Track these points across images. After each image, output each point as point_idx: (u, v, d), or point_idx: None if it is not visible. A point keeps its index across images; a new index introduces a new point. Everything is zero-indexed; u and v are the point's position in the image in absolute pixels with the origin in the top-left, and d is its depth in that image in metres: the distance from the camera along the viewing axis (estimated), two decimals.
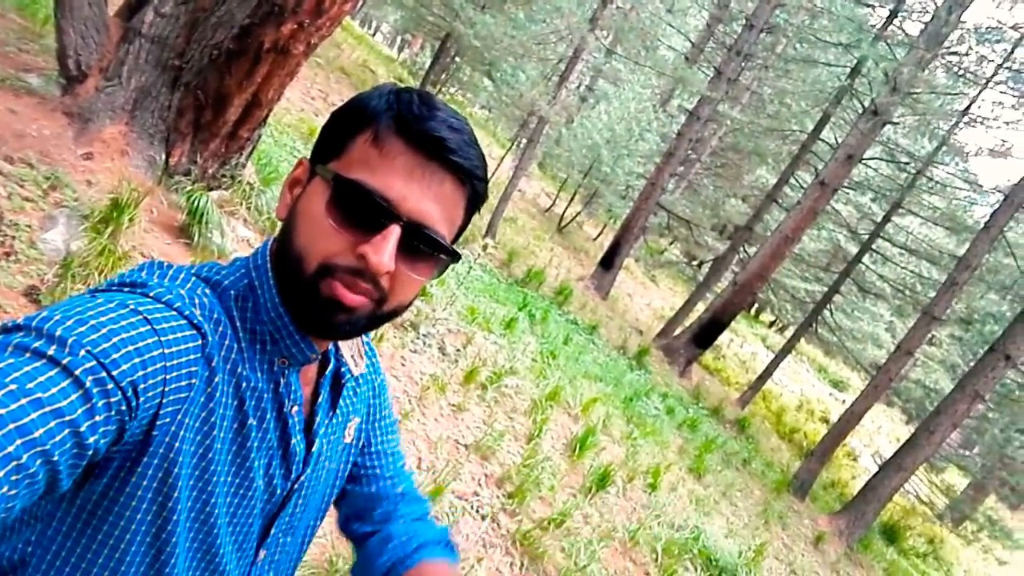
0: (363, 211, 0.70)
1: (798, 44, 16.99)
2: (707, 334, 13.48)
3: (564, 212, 18.32)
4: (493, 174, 13.69)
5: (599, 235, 20.83)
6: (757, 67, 19.10)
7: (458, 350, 5.68)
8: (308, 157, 0.78)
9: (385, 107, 0.72)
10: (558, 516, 4.26)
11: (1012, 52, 13.64)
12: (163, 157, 4.14)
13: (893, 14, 14.00)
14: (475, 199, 0.77)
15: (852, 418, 10.59)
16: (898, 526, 13.28)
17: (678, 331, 14.47)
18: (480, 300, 7.46)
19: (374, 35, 40.12)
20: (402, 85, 0.78)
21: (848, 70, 14.51)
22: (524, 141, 16.12)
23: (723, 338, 18.28)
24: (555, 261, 14.52)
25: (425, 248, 0.73)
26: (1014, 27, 13.40)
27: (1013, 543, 14.37)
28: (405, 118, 0.71)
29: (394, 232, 0.69)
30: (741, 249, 15.92)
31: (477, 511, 3.89)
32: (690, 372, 13.86)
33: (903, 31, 13.94)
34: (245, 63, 4.01)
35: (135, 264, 3.40)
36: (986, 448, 15.37)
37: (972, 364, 10.82)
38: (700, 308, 15.55)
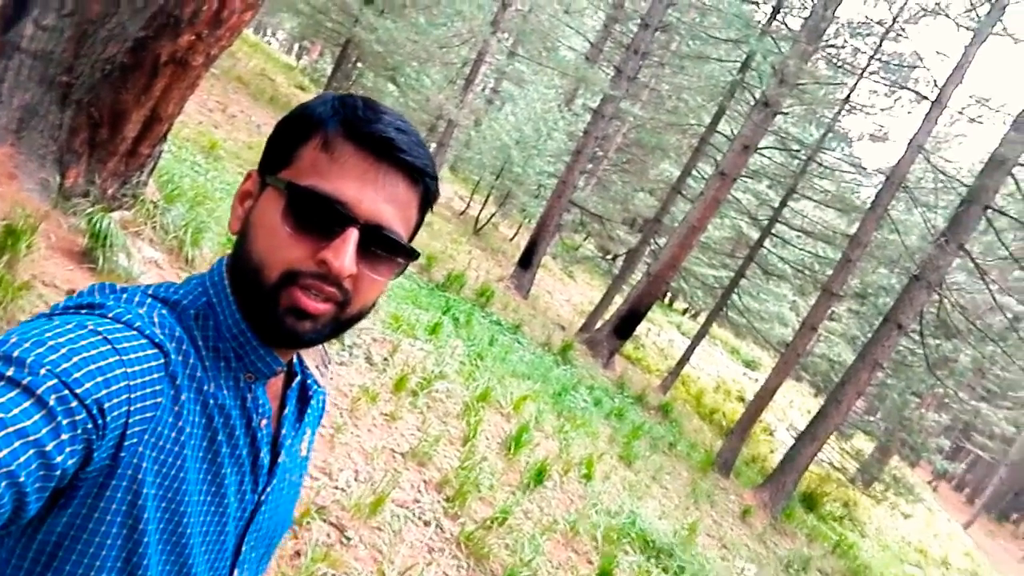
0: (320, 216, 0.70)
1: (691, 41, 17.73)
2: (626, 325, 13.86)
3: (479, 214, 18.39)
4: None
5: (515, 235, 21.02)
6: (654, 65, 19.81)
7: (385, 359, 5.62)
8: (257, 169, 0.77)
9: (331, 113, 0.72)
10: (500, 514, 4.29)
11: (880, 44, 14.74)
12: (58, 179, 3.90)
13: (776, 10, 14.83)
14: (428, 197, 0.78)
15: (766, 394, 11.15)
16: (816, 493, 14.08)
17: (599, 324, 14.81)
18: (403, 307, 7.39)
19: (269, 43, 38.92)
20: (343, 92, 0.78)
21: (739, 65, 15.26)
22: (434, 145, 16.09)
23: (641, 328, 18.83)
24: (474, 263, 14.54)
25: (384, 249, 0.73)
26: (879, 22, 14.48)
27: (915, 497, 15.52)
28: (352, 122, 0.71)
29: (353, 235, 0.70)
30: (652, 241, 16.46)
31: (419, 518, 3.86)
32: (613, 363, 14.20)
33: (786, 26, 14.80)
34: (142, 77, 3.83)
35: (36, 294, 3.15)
36: (887, 412, 16.53)
37: (870, 335, 11.62)
38: (618, 301, 15.96)
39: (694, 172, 16.26)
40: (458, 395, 5.91)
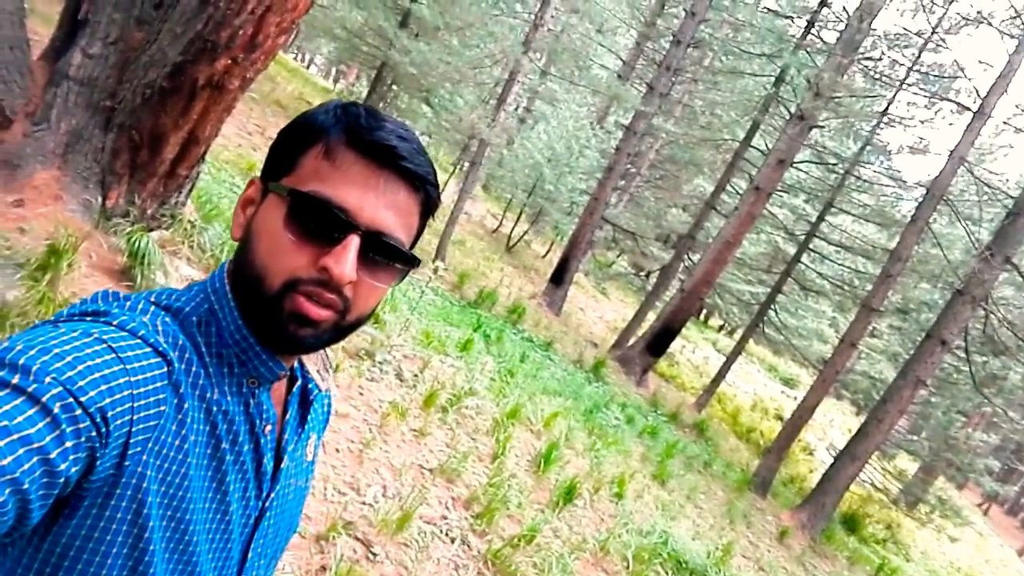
0: (322, 223, 0.70)
1: (724, 57, 17.66)
2: (660, 342, 13.71)
3: (511, 232, 18.45)
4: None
5: (547, 252, 21.03)
6: (687, 81, 19.75)
7: (416, 375, 5.65)
8: (259, 176, 0.78)
9: (333, 121, 0.73)
10: (528, 532, 4.26)
11: (919, 56, 14.47)
12: (100, 200, 4.04)
13: (811, 24, 14.69)
14: (428, 205, 0.78)
15: (804, 413, 10.89)
16: (857, 515, 13.65)
17: (632, 341, 14.68)
18: (434, 324, 7.44)
19: (308, 67, 39.89)
20: (346, 100, 0.80)
21: (773, 79, 15.13)
22: (467, 164, 16.23)
23: (675, 345, 18.60)
24: (506, 281, 14.58)
25: (385, 256, 0.74)
26: (918, 33, 14.23)
27: (962, 520, 14.92)
28: (355, 130, 0.72)
29: (354, 242, 0.70)
30: (685, 257, 16.30)
31: (446, 534, 3.86)
32: (646, 380, 14.05)
33: (821, 39, 14.64)
34: (180, 100, 3.96)
35: None
36: (931, 432, 16.00)
37: (912, 352, 11.29)
38: (651, 317, 15.81)
39: (728, 187, 16.10)
40: (488, 412, 5.91)
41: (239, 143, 10.56)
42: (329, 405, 1.00)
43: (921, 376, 10.32)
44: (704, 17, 14.24)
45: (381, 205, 0.72)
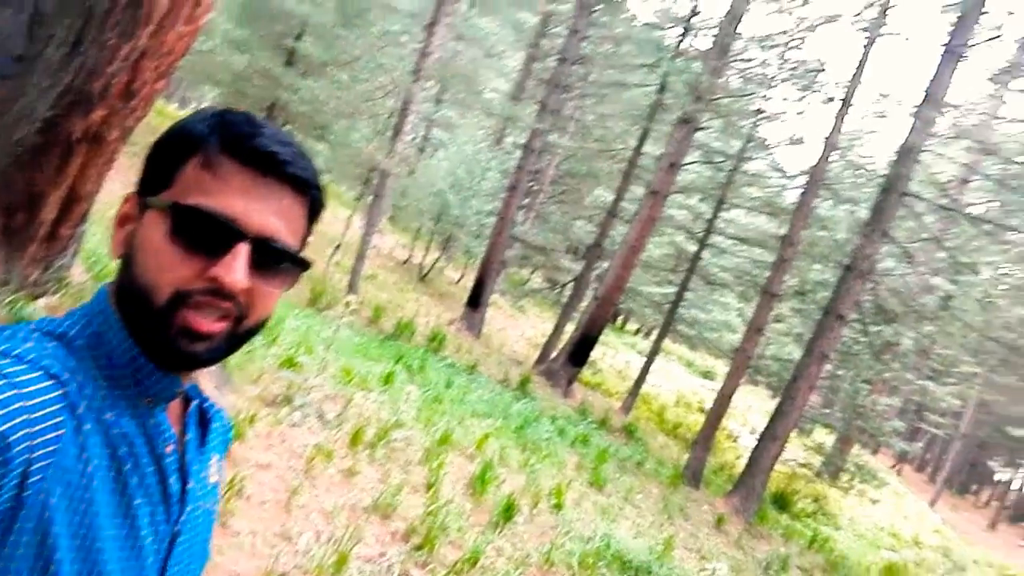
0: (208, 234, 0.69)
1: (608, 71, 18.33)
2: (580, 351, 13.96)
3: (423, 261, 18.39)
4: (343, 235, 13.53)
5: (461, 277, 21.05)
6: (576, 96, 20.36)
7: (339, 414, 5.53)
8: (135, 191, 0.76)
9: (210, 130, 0.72)
10: (470, 555, 4.23)
11: (785, 55, 15.52)
12: None
13: (685, 33, 15.52)
14: (314, 208, 0.78)
15: (723, 401, 11.33)
16: (786, 492, 14.27)
17: (554, 354, 14.87)
18: (354, 361, 7.30)
19: None
20: (221, 107, 0.79)
21: (656, 87, 15.80)
22: (370, 197, 16.11)
23: (597, 352, 18.97)
24: (423, 310, 14.50)
25: (275, 261, 0.74)
26: (782, 33, 15.27)
27: (879, 482, 15.90)
28: (233, 138, 0.71)
29: (243, 249, 0.70)
30: (595, 266, 16.71)
31: (388, 570, 3.78)
32: (573, 391, 14.25)
33: (695, 47, 15.47)
34: (55, 157, 3.76)
35: None
36: (842, 403, 16.95)
37: (814, 330, 11.99)
38: (570, 329, 16.08)
39: (627, 194, 16.66)
40: (418, 442, 5.85)
41: None
42: (228, 424, 0.97)
43: (824, 351, 10.97)
44: (585, 34, 14.79)
45: (268, 212, 0.72)
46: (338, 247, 12.57)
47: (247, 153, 0.71)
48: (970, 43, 11.12)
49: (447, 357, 11.30)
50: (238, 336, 0.75)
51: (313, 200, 0.78)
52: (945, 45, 10.68)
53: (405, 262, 18.93)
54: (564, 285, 20.91)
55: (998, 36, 11.44)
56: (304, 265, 0.78)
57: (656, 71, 15.64)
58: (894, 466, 36.57)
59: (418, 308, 14.32)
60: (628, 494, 8.72)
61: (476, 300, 14.98)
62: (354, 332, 9.50)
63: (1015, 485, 40.45)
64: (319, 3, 15.46)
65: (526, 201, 21.05)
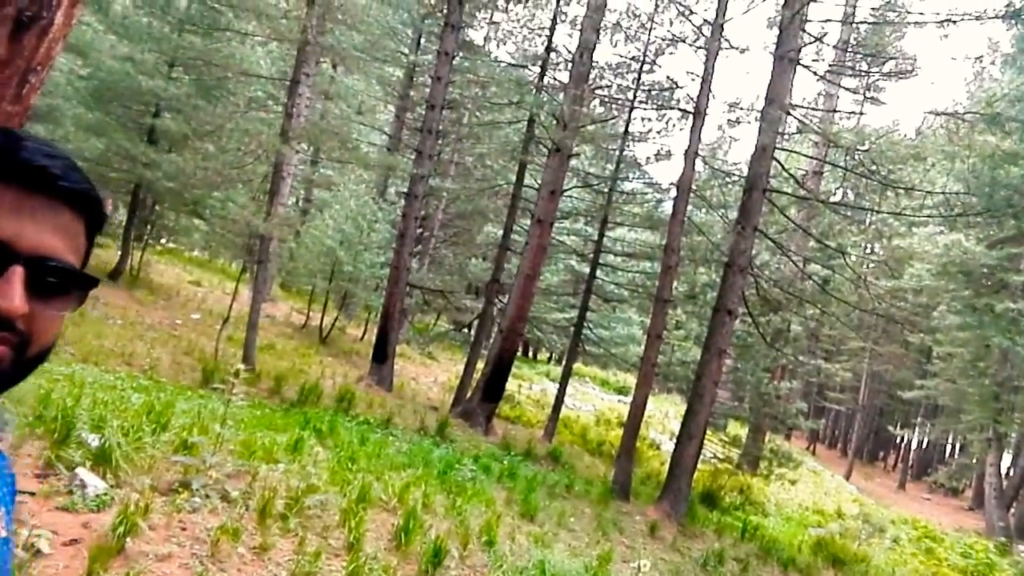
0: None
1: (478, 113, 18.80)
2: (493, 386, 13.93)
3: (322, 322, 17.91)
4: (231, 309, 13.00)
5: (364, 333, 20.64)
6: (452, 141, 20.75)
7: (245, 491, 5.23)
8: None
9: None
10: None
11: (640, 78, 16.50)
12: None
13: (543, 68, 16.19)
14: (94, 222, 0.75)
15: (637, 411, 11.59)
16: (712, 489, 14.68)
17: (469, 394, 14.76)
18: (256, 434, 6.96)
19: None
20: None
21: (526, 122, 16.34)
22: (255, 266, 15.61)
23: (512, 386, 19.02)
24: (328, 372, 14.07)
25: (56, 281, 0.70)
26: (634, 59, 16.25)
27: (796, 463, 16.67)
28: None
29: (17, 273, 0.66)
30: (496, 300, 16.84)
31: None
32: (493, 427, 14.16)
33: (556, 79, 16.17)
34: None
35: None
36: (748, 394, 17.77)
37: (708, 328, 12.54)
38: (481, 367, 16.06)
39: (515, 227, 16.99)
40: (334, 504, 5.61)
41: None
42: (11, 473, 0.89)
43: (721, 346, 11.47)
44: (449, 80, 15.11)
45: (42, 230, 0.68)
46: (226, 321, 12.04)
47: (13, 171, 0.67)
48: (797, 49, 12.23)
49: (359, 415, 10.97)
50: (23, 364, 0.70)
51: (90, 213, 0.74)
52: (774, 53, 11.67)
53: (303, 327, 18.36)
54: (469, 325, 20.92)
55: (818, 40, 12.63)
56: (89, 283, 0.73)
57: (524, 107, 16.22)
58: (808, 447, 38.49)
59: (322, 371, 13.89)
60: (561, 518, 8.69)
61: (382, 354, 14.70)
62: (254, 405, 9.07)
63: (913, 444, 43.49)
64: (175, 78, 15.04)
65: (418, 248, 21.04)
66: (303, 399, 10.67)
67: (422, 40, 21.23)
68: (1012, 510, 26.12)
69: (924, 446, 43.89)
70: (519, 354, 26.00)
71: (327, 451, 7.54)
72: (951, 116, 15.05)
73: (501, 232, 17.32)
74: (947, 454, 42.80)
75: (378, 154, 18.39)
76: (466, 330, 22.48)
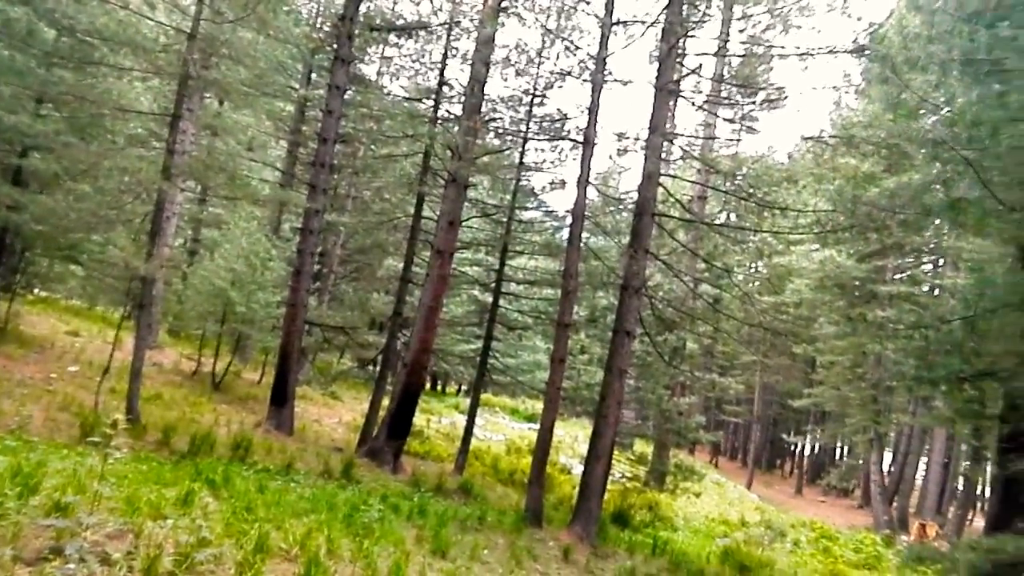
0: None
1: (373, 146, 18.68)
2: (400, 423, 13.66)
3: (214, 368, 17.00)
4: (111, 358, 12.14)
5: (262, 376, 19.76)
6: (348, 175, 20.48)
7: (129, 552, 4.83)
8: None
9: None
10: None
11: (531, 111, 16.94)
12: None
13: (437, 101, 16.34)
14: None
15: (545, 436, 11.66)
16: (622, 509, 14.93)
17: (375, 432, 14.39)
18: (142, 489, 6.47)
19: None
20: None
21: (422, 154, 16.38)
22: (138, 311, 14.68)
23: (420, 421, 18.72)
24: (222, 419, 13.35)
25: None
26: (524, 91, 16.68)
27: (699, 476, 17.24)
28: None
29: None
30: (400, 334, 16.60)
31: None
32: (402, 465, 13.84)
33: (450, 112, 16.34)
34: None
35: None
36: (651, 412, 18.29)
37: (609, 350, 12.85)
38: (387, 404, 15.72)
39: (416, 259, 16.89)
40: (229, 557, 5.28)
41: None
42: None
43: (622, 367, 11.78)
44: (342, 113, 14.96)
45: None
46: (107, 372, 11.23)
47: None
48: (675, 81, 12.97)
49: (257, 463, 10.44)
50: None
51: None
52: (655, 85, 12.31)
53: (194, 373, 17.36)
54: (373, 361, 20.48)
55: (694, 72, 13.45)
56: None
57: (419, 139, 16.27)
58: (710, 459, 39.97)
59: (216, 419, 13.16)
60: (474, 552, 8.56)
61: (281, 396, 14.10)
62: (139, 459, 8.45)
63: (806, 451, 46.06)
64: (43, 115, 14.07)
65: (317, 284, 20.49)
66: (195, 450, 10.05)
67: (312, 75, 20.95)
68: (894, 504, 28.09)
69: (816, 451, 46.54)
70: (426, 388, 25.68)
71: (221, 502, 7.11)
72: (816, 141, 16.34)
73: (402, 265, 17.17)
74: (836, 457, 45.51)
75: (270, 190, 17.86)
76: (370, 367, 21.98)
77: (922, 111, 8.54)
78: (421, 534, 8.63)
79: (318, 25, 19.97)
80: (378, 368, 17.74)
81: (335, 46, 15.03)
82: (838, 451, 46.15)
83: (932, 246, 26.89)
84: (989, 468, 24.65)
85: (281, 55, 14.54)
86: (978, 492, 30.45)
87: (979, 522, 27.15)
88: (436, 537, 8.45)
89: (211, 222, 23.15)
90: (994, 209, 6.63)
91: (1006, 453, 9.70)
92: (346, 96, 15.81)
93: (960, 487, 30.22)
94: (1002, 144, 6.14)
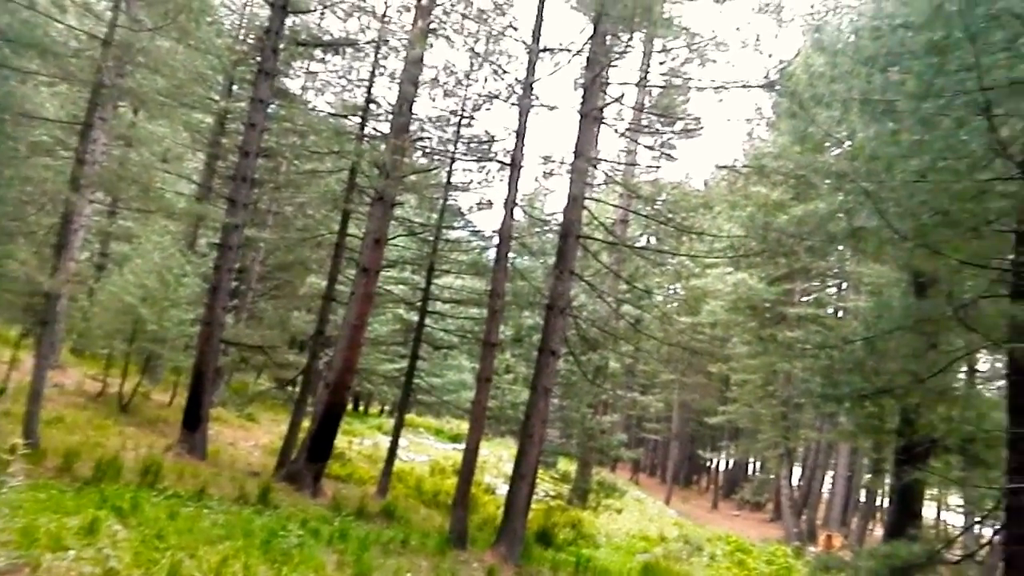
0: None
1: (297, 161, 18.32)
2: (321, 445, 13.33)
3: (122, 389, 16.11)
4: (7, 379, 11.36)
5: (173, 398, 18.86)
6: (270, 190, 19.98)
7: None
8: None
9: None
10: None
11: (459, 131, 17.06)
12: None
13: (364, 119, 16.23)
14: None
15: (471, 456, 11.64)
16: (546, 527, 15.01)
17: (294, 455, 13.98)
18: (39, 519, 6.08)
19: None
20: None
21: (348, 171, 16.16)
22: (39, 328, 13.79)
23: (342, 442, 18.29)
24: (130, 443, 12.68)
25: None
26: (452, 112, 16.79)
27: (621, 493, 17.57)
28: None
29: None
30: (323, 354, 16.24)
31: None
32: (322, 488, 13.49)
33: (377, 129, 16.26)
34: None
35: None
36: (575, 430, 18.55)
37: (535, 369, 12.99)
38: (308, 426, 15.30)
39: (340, 277, 16.61)
40: None
41: None
42: None
43: (547, 386, 11.94)
44: (265, 127, 14.64)
45: None
46: (2, 393, 10.48)
47: None
48: (599, 108, 13.38)
49: (168, 488, 9.95)
50: None
51: None
52: (580, 111, 12.67)
53: (100, 395, 16.41)
54: (292, 381, 19.91)
55: (617, 101, 13.92)
56: None
57: (345, 156, 16.07)
58: (631, 476, 40.73)
59: (124, 443, 12.48)
60: (397, 575, 8.44)
61: (194, 419, 13.50)
62: (37, 487, 7.91)
63: (722, 466, 47.65)
64: None
65: (234, 302, 19.81)
66: (100, 476, 9.50)
67: (234, 87, 20.39)
68: (803, 516, 29.41)
69: (730, 467, 48.20)
70: (349, 408, 25.15)
71: (130, 530, 6.76)
72: (730, 170, 17.21)
73: (325, 283, 16.83)
74: (750, 472, 47.25)
75: (186, 203, 17.18)
76: (290, 387, 21.35)
77: (827, 144, 9.14)
78: (342, 559, 8.45)
79: (241, 37, 19.52)
80: (298, 389, 17.26)
81: (259, 59, 14.72)
82: (751, 466, 47.93)
83: (836, 271, 28.58)
84: (888, 480, 26.27)
85: (201, 66, 14.08)
86: (878, 503, 32.24)
87: (880, 531, 28.76)
88: (358, 562, 8.30)
89: (121, 235, 22.03)
90: (890, 238, 7.15)
91: (902, 465, 10.40)
92: (269, 110, 15.48)
93: (863, 498, 31.97)
94: (896, 178, 6.66)
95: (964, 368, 11.97)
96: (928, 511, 27.77)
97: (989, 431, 7.32)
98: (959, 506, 28.64)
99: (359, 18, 15.48)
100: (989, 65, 5.45)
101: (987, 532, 10.23)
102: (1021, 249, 7.38)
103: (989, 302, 7.17)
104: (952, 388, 9.19)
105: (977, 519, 10.90)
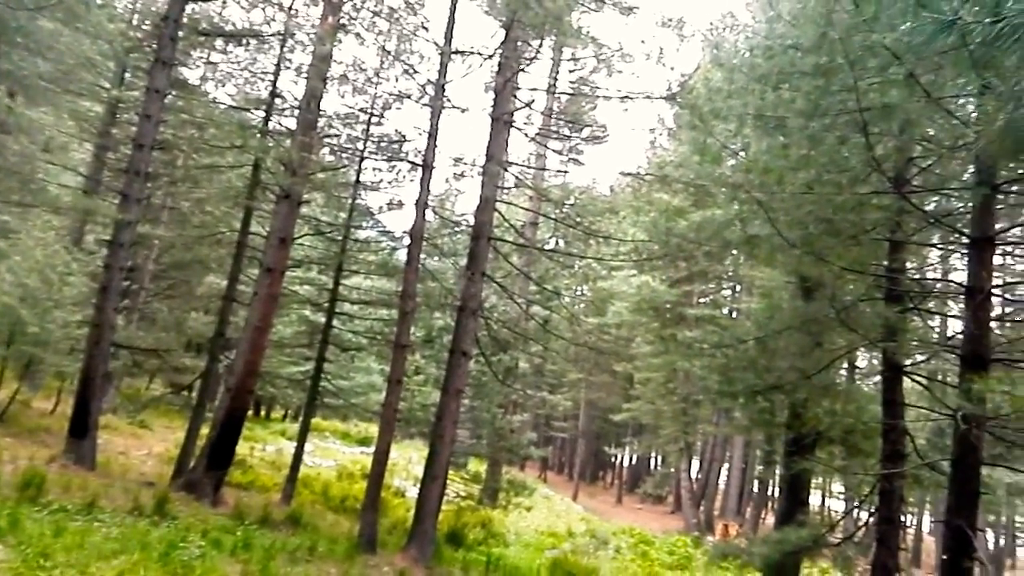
0: None
1: (195, 155, 17.48)
2: (221, 452, 12.82)
3: None
4: None
5: (56, 405, 17.58)
6: (165, 184, 18.97)
7: None
8: None
9: None
10: None
11: (369, 130, 16.82)
12: None
13: (268, 113, 15.70)
14: None
15: (380, 459, 11.51)
16: (457, 528, 15.04)
17: (193, 464, 13.36)
18: None
19: None
20: None
21: (251, 166, 15.59)
22: None
23: (244, 449, 17.63)
24: (7, 455, 11.73)
25: None
26: (362, 110, 16.53)
27: (530, 491, 17.85)
28: None
29: None
30: (223, 356, 15.59)
31: None
32: (223, 497, 12.96)
33: (282, 125, 15.77)
34: None
35: None
36: (485, 431, 18.67)
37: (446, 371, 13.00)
38: (207, 432, 14.65)
39: (242, 276, 16.00)
40: None
41: None
42: None
43: (458, 387, 11.98)
44: (160, 118, 13.91)
45: None
46: None
47: None
48: (510, 112, 13.55)
49: (53, 502, 9.29)
50: None
51: None
52: (491, 114, 12.80)
53: None
54: (189, 386, 18.99)
55: (527, 106, 14.14)
56: None
57: (248, 151, 15.48)
58: (540, 474, 41.36)
59: (0, 454, 11.54)
60: None
61: (81, 427, 12.64)
62: None
63: (626, 462, 49.16)
64: None
65: (126, 302, 18.68)
66: None
67: (127, 75, 19.21)
68: (701, 507, 30.84)
69: (634, 462, 49.81)
70: (251, 414, 24.24)
71: (9, 550, 6.29)
72: (635, 177, 17.85)
73: (226, 283, 16.15)
74: (652, 467, 48.99)
75: (72, 197, 16.04)
76: (186, 392, 20.35)
77: (724, 156, 9.67)
78: (247, 569, 8.18)
79: (136, 23, 18.41)
80: (196, 394, 16.48)
81: (155, 47, 13.96)
82: (653, 461, 49.73)
83: (731, 274, 30.18)
84: (778, 470, 27.97)
85: (90, 51, 13.22)
86: (770, 492, 34.26)
87: (772, 519, 30.56)
88: (264, 571, 8.07)
89: None
90: (780, 245, 7.67)
91: (791, 456, 11.14)
92: (166, 100, 14.71)
93: (756, 489, 33.87)
94: (786, 190, 7.16)
95: (845, 365, 12.94)
96: (814, 498, 29.78)
97: (867, 423, 7.99)
98: (840, 493, 30.90)
99: (264, 9, 15.00)
100: (866, 89, 5.96)
101: (863, 515, 11.14)
102: (894, 256, 8.11)
103: (867, 304, 7.84)
104: (835, 384, 9.97)
105: (856, 504, 11.84)
